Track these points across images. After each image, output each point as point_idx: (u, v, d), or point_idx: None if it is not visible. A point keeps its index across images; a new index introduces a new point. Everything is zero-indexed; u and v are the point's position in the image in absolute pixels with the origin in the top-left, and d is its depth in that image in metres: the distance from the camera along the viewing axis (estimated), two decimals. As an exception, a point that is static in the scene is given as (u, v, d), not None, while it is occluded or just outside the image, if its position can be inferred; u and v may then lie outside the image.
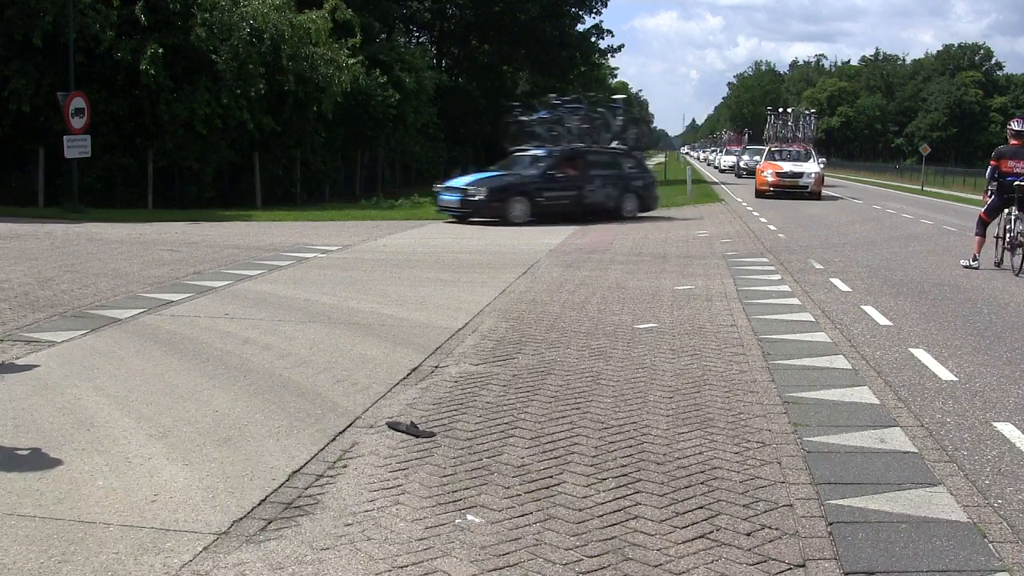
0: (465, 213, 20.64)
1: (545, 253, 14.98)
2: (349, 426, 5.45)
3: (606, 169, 22.45)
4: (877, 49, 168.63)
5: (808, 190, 33.46)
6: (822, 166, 51.20)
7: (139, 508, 4.17)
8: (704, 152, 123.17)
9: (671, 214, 24.66)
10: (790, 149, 38.09)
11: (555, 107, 24.42)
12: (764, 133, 51.87)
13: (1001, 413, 5.96)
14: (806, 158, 36.09)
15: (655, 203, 23.78)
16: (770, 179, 33.98)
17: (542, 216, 20.73)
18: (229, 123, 23.96)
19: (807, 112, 50.43)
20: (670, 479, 4.63)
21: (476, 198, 20.42)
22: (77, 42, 21.81)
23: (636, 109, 27.59)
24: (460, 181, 21.54)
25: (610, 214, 22.05)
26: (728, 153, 72.62)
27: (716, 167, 76.92)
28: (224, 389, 6.20)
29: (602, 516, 4.16)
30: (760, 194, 33.89)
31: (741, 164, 55.35)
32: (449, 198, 21.03)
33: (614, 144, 23.53)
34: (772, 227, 21.10)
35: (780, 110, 49.28)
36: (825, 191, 42.32)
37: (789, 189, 33.39)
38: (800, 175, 33.81)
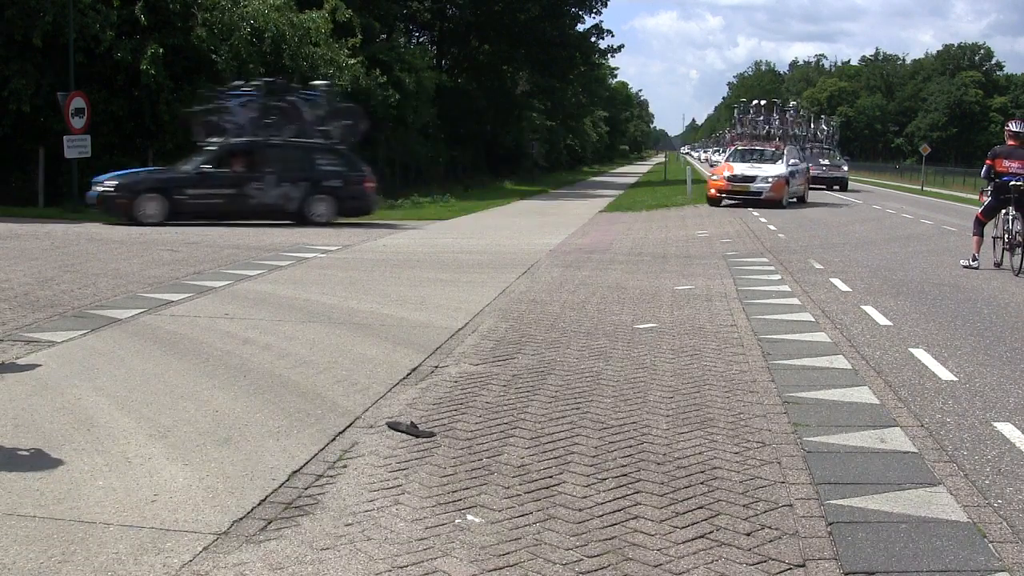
0: (103, 209, 18.79)
1: (545, 253, 14.98)
2: (349, 426, 5.45)
3: (287, 165, 19.51)
4: (877, 49, 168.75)
5: (762, 197, 27.16)
6: (846, 168, 43.21)
7: (139, 508, 4.16)
8: (706, 152, 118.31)
9: (418, 224, 21.30)
10: (761, 148, 31.24)
11: (227, 95, 21.29)
12: (728, 129, 46.42)
13: (1001, 413, 5.96)
14: (772, 159, 29.43)
15: (368, 206, 20.71)
16: (719, 183, 28.26)
17: (185, 216, 18.68)
18: (230, 123, 23.95)
19: (790, 106, 43.74)
20: (670, 479, 4.63)
21: (107, 194, 18.67)
22: (77, 42, 21.80)
23: (341, 100, 22.50)
24: (105, 176, 19.46)
25: (291, 217, 19.44)
26: None
27: None
28: (224, 389, 6.20)
29: (602, 516, 4.16)
30: (712, 201, 28.18)
31: None
32: (91, 194, 19.16)
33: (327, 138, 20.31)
34: (772, 227, 21.09)
35: (755, 102, 41.62)
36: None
37: (740, 195, 27.63)
38: (752, 179, 27.51)
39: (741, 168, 28.35)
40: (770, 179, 27.45)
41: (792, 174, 28.95)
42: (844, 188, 42.29)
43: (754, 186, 27.33)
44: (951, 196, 43.88)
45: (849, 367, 7.14)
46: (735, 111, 45.36)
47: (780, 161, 29.15)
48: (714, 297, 10.51)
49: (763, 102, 41.80)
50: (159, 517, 4.07)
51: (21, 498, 4.24)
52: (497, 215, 25.79)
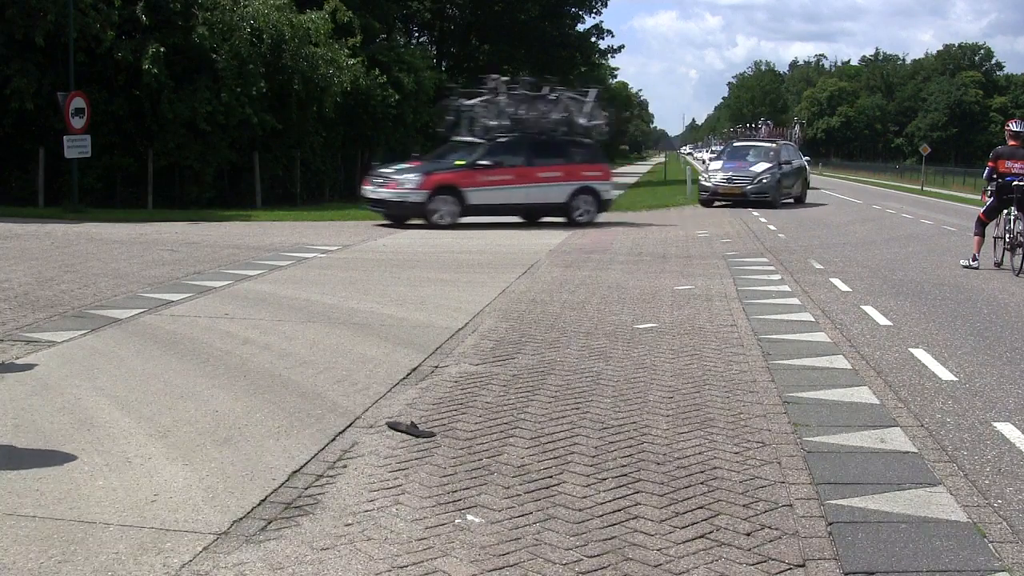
0: None
1: (545, 253, 14.97)
2: (349, 426, 5.45)
3: None
4: (877, 49, 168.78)
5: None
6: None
7: (139, 508, 4.16)
8: (713, 153, 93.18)
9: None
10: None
11: None
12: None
13: (1001, 413, 5.97)
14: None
15: None
16: None
17: None
18: (231, 121, 23.95)
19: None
20: (670, 479, 4.63)
21: None
22: (78, 42, 21.80)
23: None
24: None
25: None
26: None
27: None
28: (224, 389, 6.20)
29: (602, 516, 4.16)
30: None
31: None
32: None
33: None
34: (772, 227, 21.09)
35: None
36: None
37: None
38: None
39: None
40: None
41: None
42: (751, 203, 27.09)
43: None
44: (951, 196, 43.84)
45: (849, 367, 7.14)
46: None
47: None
48: (714, 297, 10.51)
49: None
50: (159, 517, 4.07)
51: (21, 498, 4.24)
52: (497, 215, 25.75)
